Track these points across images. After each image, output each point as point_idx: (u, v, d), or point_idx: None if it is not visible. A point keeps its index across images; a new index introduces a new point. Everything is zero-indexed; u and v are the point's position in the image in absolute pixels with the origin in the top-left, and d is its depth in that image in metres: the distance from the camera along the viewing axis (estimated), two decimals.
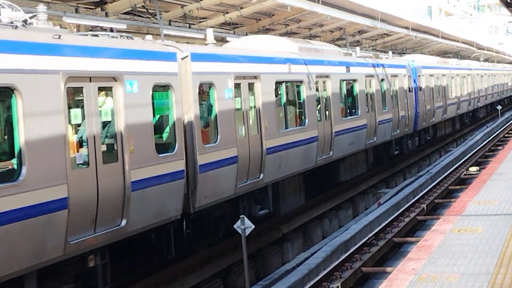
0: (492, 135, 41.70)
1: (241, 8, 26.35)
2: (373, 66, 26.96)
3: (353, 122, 23.55)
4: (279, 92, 18.62)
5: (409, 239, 17.24)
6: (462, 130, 47.21)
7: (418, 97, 32.73)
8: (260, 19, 29.51)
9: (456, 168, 27.85)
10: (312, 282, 13.43)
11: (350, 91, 24.34)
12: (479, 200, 15.40)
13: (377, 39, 44.69)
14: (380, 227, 17.78)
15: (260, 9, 26.81)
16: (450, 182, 24.56)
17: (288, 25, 31.68)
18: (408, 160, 32.97)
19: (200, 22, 26.64)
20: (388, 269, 14.16)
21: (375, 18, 35.38)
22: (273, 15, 29.12)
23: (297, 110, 19.85)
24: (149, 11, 23.19)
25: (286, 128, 18.68)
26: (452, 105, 40.98)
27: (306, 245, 19.59)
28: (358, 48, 32.21)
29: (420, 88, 33.27)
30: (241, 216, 13.38)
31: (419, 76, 33.39)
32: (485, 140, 38.61)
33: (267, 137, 17.06)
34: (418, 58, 39.04)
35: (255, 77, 16.92)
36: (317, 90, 20.74)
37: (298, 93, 19.83)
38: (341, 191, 23.89)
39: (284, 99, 18.82)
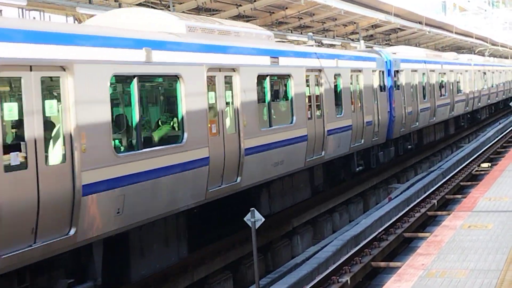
0: (504, 131, 41.59)
1: (254, 1, 26.36)
2: (321, 57, 20.23)
3: (282, 134, 17.28)
4: (125, 94, 12.34)
5: (419, 234, 17.16)
6: (459, 134, 42.52)
7: (394, 97, 26.86)
8: (273, 12, 29.52)
9: (468, 164, 27.70)
10: (321, 276, 13.41)
11: (279, 91, 18.44)
12: (490, 196, 15.41)
13: (390, 34, 44.65)
14: (391, 222, 17.73)
15: (273, 2, 26.82)
16: (462, 178, 24.43)
17: (301, 18, 31.70)
18: (420, 155, 32.91)
19: (213, 14, 26.66)
20: (398, 264, 14.16)
21: (389, 12, 35.34)
22: (286, 8, 29.11)
23: (169, 121, 13.71)
24: (162, 2, 23.25)
25: (137, 149, 12.01)
26: (444, 106, 35.47)
27: (316, 239, 19.57)
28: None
29: (398, 87, 27.52)
30: (251, 209, 13.25)
31: (397, 71, 27.48)
32: (497, 137, 38.52)
33: (87, 166, 10.45)
34: (401, 50, 33.16)
35: (62, 68, 10.28)
36: (211, 89, 14.30)
37: (170, 94, 13.73)
38: (352, 185, 23.82)
39: (134, 105, 12.09)
